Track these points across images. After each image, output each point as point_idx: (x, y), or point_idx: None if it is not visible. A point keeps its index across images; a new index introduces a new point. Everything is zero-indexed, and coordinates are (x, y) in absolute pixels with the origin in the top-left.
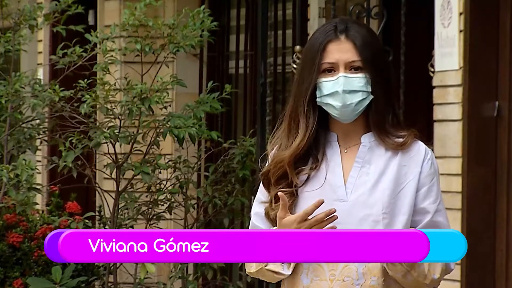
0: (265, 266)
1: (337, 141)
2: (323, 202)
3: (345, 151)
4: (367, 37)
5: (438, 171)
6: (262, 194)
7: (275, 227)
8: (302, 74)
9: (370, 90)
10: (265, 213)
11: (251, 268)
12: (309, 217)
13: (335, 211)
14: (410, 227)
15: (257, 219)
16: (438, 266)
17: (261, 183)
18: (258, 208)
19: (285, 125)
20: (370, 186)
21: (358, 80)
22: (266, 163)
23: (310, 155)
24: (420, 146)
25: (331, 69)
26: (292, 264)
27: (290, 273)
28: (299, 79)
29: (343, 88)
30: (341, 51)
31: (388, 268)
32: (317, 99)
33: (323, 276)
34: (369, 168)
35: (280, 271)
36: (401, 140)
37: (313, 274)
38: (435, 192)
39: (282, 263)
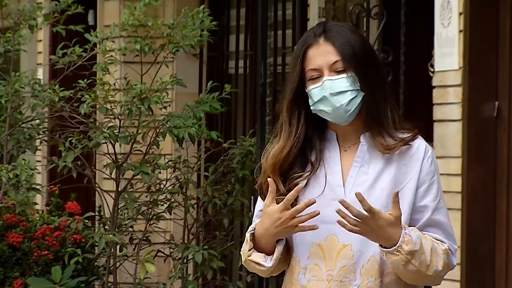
0: (248, 256)
1: (337, 139)
2: (314, 202)
3: (345, 150)
4: (347, 35)
5: (438, 169)
6: (261, 205)
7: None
8: (287, 81)
9: (359, 88)
10: None
11: (243, 258)
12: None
13: (315, 201)
14: (409, 226)
15: (256, 218)
16: (440, 258)
17: (258, 197)
18: (257, 220)
19: (278, 134)
20: (369, 185)
21: (344, 81)
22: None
23: (307, 159)
24: (420, 144)
25: (317, 76)
26: (274, 257)
27: (271, 265)
28: (286, 87)
29: (329, 92)
30: (321, 54)
31: (388, 260)
32: (311, 108)
33: (321, 276)
34: (368, 168)
35: (261, 262)
36: (392, 142)
37: (310, 274)
38: (435, 190)
39: (266, 255)
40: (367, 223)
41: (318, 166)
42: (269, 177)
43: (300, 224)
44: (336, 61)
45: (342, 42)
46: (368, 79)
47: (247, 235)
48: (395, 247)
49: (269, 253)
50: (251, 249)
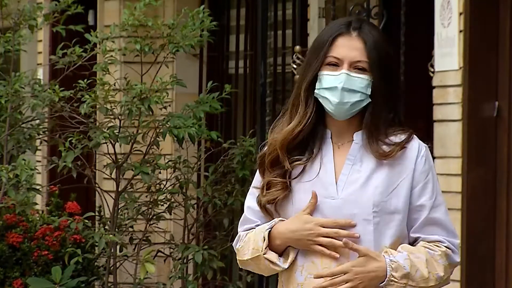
0: (264, 254)
1: (331, 137)
2: (355, 225)
3: (338, 147)
4: (378, 39)
5: (433, 167)
6: (257, 180)
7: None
8: (308, 62)
9: (369, 93)
10: (257, 201)
11: (245, 255)
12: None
13: (359, 236)
14: (407, 225)
15: (250, 212)
16: (439, 264)
17: (257, 170)
18: (251, 201)
19: (287, 112)
20: (361, 184)
21: (360, 81)
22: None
23: (307, 146)
24: (414, 143)
25: (335, 64)
26: (290, 260)
27: (286, 267)
28: (305, 66)
29: (343, 85)
30: (349, 47)
31: None
32: (316, 91)
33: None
34: (361, 166)
35: (276, 262)
36: (387, 149)
37: (307, 271)
38: (430, 188)
39: (280, 255)
40: (347, 280)
41: (316, 154)
42: (277, 151)
43: (323, 247)
44: (360, 61)
45: (373, 46)
46: (382, 87)
47: (265, 232)
48: (387, 278)
49: (279, 253)
50: (267, 247)
